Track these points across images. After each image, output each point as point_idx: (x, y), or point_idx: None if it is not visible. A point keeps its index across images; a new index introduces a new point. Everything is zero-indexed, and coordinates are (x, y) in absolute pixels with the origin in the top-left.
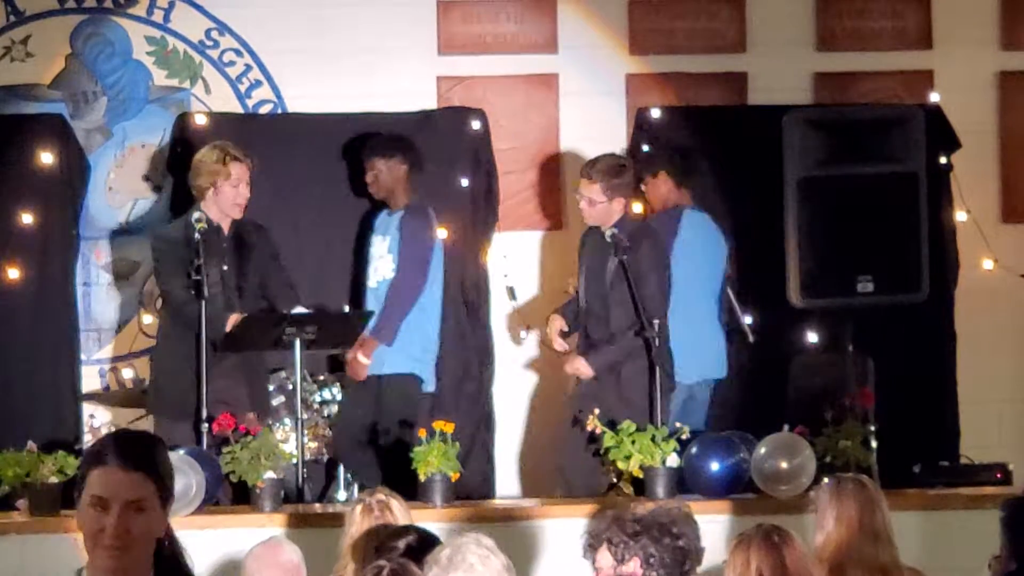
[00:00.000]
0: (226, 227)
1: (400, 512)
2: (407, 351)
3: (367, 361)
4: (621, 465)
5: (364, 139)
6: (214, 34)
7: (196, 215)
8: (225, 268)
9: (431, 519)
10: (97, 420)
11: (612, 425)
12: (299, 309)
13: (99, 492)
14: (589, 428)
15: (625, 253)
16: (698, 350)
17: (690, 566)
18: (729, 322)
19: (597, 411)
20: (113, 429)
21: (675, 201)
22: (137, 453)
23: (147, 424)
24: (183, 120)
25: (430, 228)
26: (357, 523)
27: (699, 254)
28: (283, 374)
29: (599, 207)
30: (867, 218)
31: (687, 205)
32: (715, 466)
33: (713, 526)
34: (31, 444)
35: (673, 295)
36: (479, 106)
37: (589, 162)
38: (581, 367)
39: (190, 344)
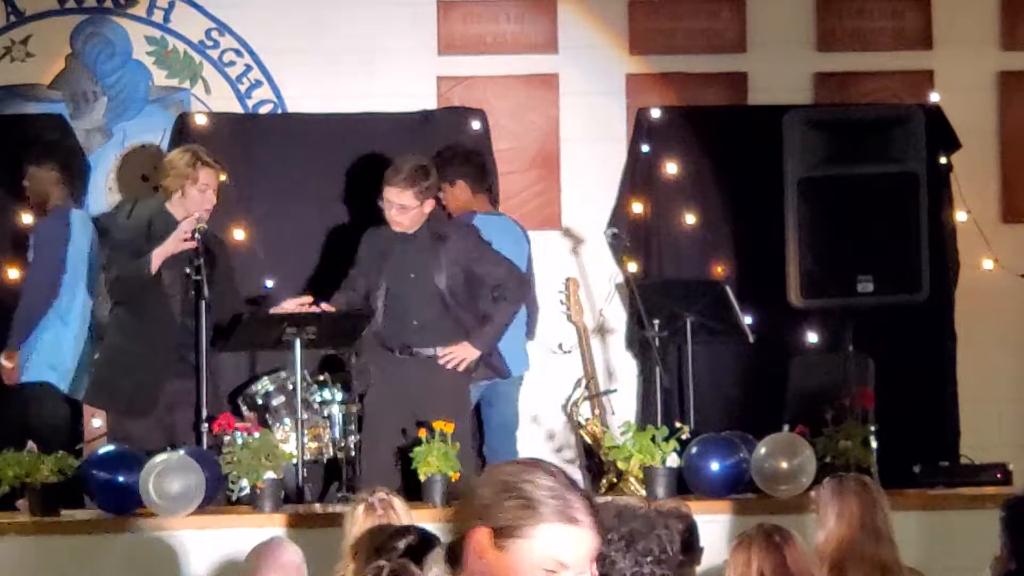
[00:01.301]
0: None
1: (402, 511)
2: (44, 359)
3: (10, 365)
4: (621, 465)
5: (365, 139)
6: (214, 34)
7: (197, 215)
8: (187, 271)
9: (430, 519)
10: (97, 421)
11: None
12: None
13: (567, 558)
14: (589, 428)
15: (622, 254)
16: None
17: (652, 569)
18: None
19: (598, 412)
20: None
21: (473, 207)
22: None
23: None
24: (183, 120)
25: (64, 232)
26: (360, 522)
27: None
28: (283, 374)
29: (412, 212)
30: (867, 218)
31: (479, 211)
32: (715, 466)
33: (713, 526)
34: (31, 444)
35: None
36: (479, 106)
37: (393, 169)
38: (468, 352)
39: (140, 339)
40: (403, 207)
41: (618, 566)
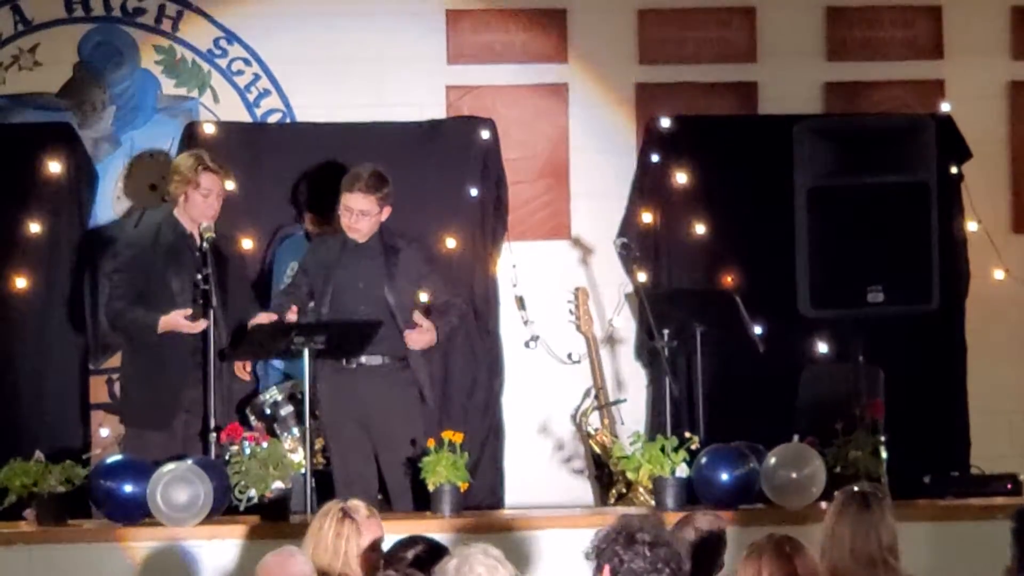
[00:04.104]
0: (197, 235)
1: (366, 523)
2: None
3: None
4: (631, 475)
5: (374, 148)
6: (222, 43)
7: (204, 224)
8: (199, 277)
9: (439, 529)
10: (105, 430)
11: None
12: None
13: None
14: (598, 438)
15: (631, 264)
16: None
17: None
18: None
19: (607, 422)
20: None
21: None
22: None
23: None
24: (191, 129)
25: None
26: (319, 529)
27: None
28: (291, 383)
29: (372, 219)
30: (877, 228)
31: None
32: (725, 476)
33: None
34: (38, 454)
35: None
36: (488, 115)
37: (353, 176)
38: (423, 337)
39: (154, 353)
40: (364, 213)
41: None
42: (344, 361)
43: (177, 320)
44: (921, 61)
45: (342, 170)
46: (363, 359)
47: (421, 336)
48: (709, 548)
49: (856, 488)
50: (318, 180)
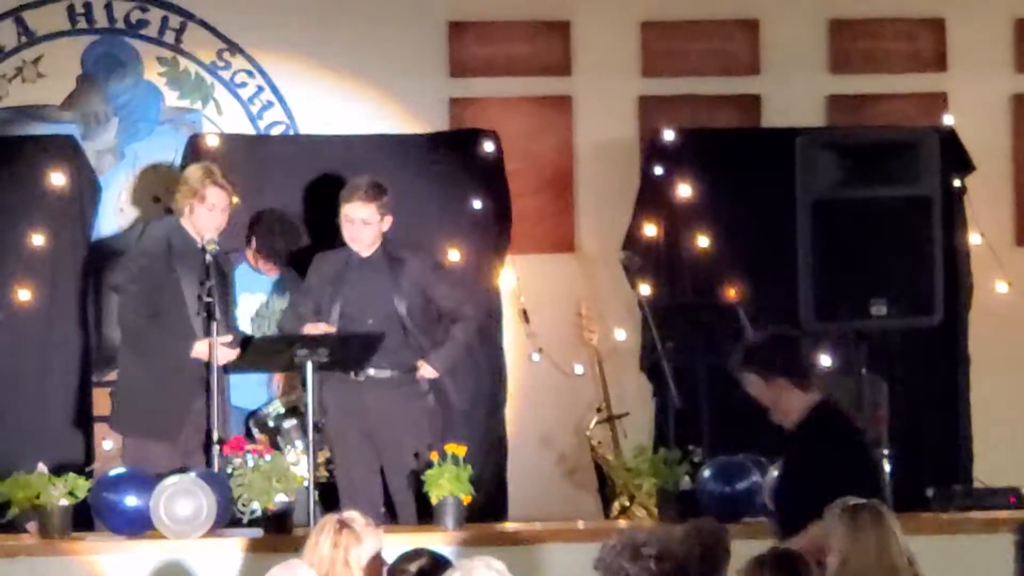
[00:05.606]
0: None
1: (365, 533)
2: None
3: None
4: (634, 488)
5: (377, 160)
6: (226, 55)
7: (208, 236)
8: (203, 288)
9: (443, 542)
10: (108, 442)
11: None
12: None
13: None
14: (601, 452)
15: (635, 276)
16: None
17: None
18: None
19: (611, 434)
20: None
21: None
22: None
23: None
24: (194, 141)
25: None
26: (316, 543)
27: None
28: (294, 396)
29: (373, 228)
30: (881, 241)
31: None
32: (728, 489)
33: None
34: (41, 466)
35: None
36: (492, 128)
37: (352, 187)
38: (427, 374)
39: (154, 361)
40: (365, 222)
41: None
42: (352, 373)
43: (205, 350)
44: (924, 74)
45: (343, 184)
46: (371, 371)
47: (426, 374)
48: (713, 559)
49: (855, 502)
50: (321, 194)
